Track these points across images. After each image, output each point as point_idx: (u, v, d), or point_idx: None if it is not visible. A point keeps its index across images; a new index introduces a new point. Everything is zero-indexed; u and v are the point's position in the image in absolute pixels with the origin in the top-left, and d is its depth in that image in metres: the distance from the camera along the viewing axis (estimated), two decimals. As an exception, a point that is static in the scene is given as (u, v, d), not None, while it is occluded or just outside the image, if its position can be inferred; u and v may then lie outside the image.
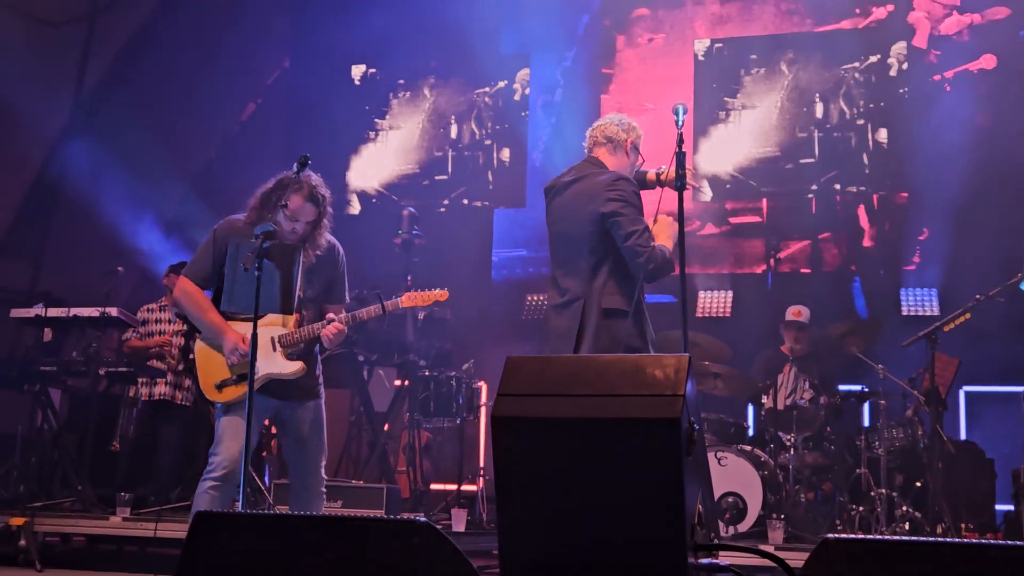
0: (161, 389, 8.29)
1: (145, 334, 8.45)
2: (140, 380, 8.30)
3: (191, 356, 7.85)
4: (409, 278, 8.05)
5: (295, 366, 4.93)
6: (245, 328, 4.73)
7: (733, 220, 10.97)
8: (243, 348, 4.76)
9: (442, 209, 12.04)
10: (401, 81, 12.62)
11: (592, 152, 5.31)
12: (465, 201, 12.14)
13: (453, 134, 12.40)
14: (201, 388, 4.90)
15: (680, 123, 4.96)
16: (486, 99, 12.33)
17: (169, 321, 8.48)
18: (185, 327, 8.19)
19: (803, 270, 10.62)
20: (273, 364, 4.88)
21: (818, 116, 11.02)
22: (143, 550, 7.45)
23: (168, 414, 8.30)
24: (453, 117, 12.42)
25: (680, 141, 4.89)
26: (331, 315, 4.99)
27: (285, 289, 4.66)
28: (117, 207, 10.68)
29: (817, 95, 11.04)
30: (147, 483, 7.98)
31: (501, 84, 12.31)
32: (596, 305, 4.92)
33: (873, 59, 10.93)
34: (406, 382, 8.31)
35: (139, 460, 8.25)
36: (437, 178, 12.32)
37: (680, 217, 5.01)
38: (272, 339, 4.90)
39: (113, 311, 8.00)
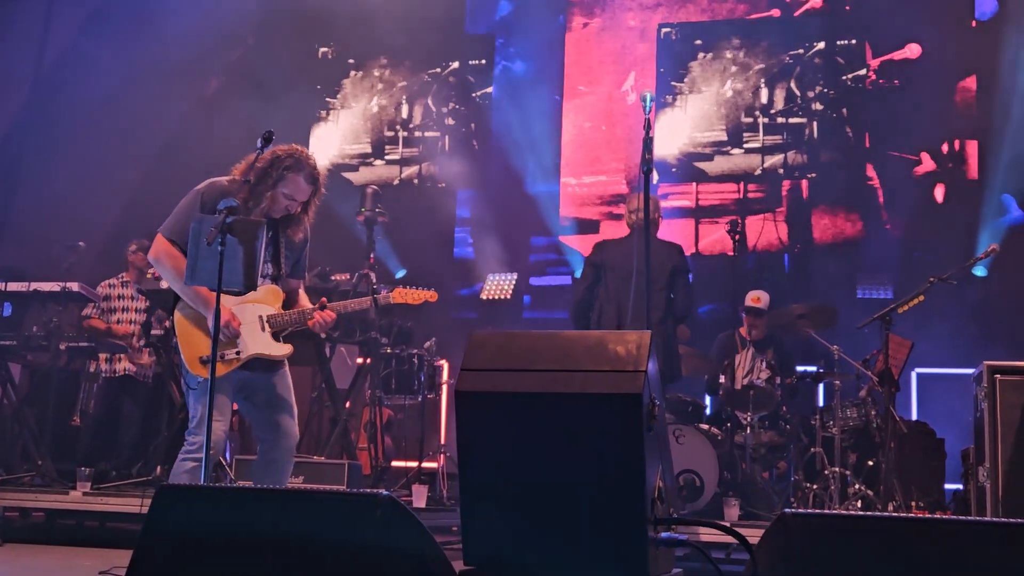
0: (124, 365, 8.26)
1: (106, 310, 8.41)
2: (102, 355, 8.26)
3: (153, 332, 7.88)
4: (372, 256, 8.06)
5: (285, 349, 4.90)
6: (229, 302, 4.68)
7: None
8: (234, 327, 4.70)
9: (396, 183, 12.06)
10: (351, 60, 12.63)
11: None
12: (415, 181, 12.17)
13: (404, 114, 12.43)
14: (185, 361, 4.75)
15: (648, 110, 5.04)
16: (449, 78, 12.35)
17: (131, 297, 8.44)
18: (148, 303, 8.16)
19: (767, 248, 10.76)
20: (261, 343, 4.82)
21: (763, 101, 11.16)
22: (103, 525, 7.44)
23: (130, 389, 8.28)
24: (405, 97, 12.44)
25: (647, 127, 4.98)
26: (324, 300, 4.99)
27: (248, 265, 4.62)
28: (78, 181, 10.57)
29: (763, 80, 11.17)
30: (108, 458, 7.95)
31: (454, 65, 12.33)
32: None
33: (819, 46, 11.08)
34: (368, 360, 8.32)
35: (100, 435, 8.23)
36: (388, 157, 12.35)
37: (646, 198, 5.10)
38: (261, 318, 4.85)
39: (74, 286, 7.94)
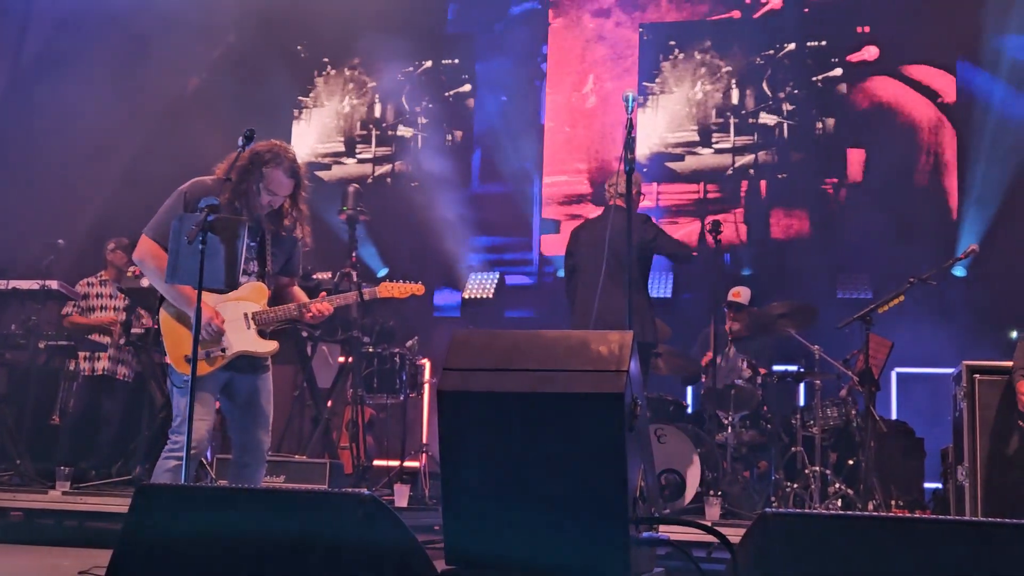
0: (103, 364, 8.22)
1: (86, 308, 8.36)
2: (81, 354, 8.21)
3: (133, 331, 7.84)
4: (354, 254, 8.05)
5: (271, 345, 4.88)
6: (212, 300, 4.68)
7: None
8: (216, 323, 4.68)
9: (369, 181, 12.05)
10: (325, 59, 12.61)
11: None
12: (389, 180, 12.15)
13: (377, 112, 12.42)
14: (171, 360, 4.73)
15: (630, 110, 5.06)
16: (421, 77, 12.35)
17: (110, 296, 8.40)
18: (127, 302, 8.12)
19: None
20: (247, 341, 4.80)
21: (734, 102, 11.22)
22: (82, 524, 7.39)
23: (110, 388, 8.23)
24: (378, 96, 12.43)
25: (630, 127, 5.00)
26: (324, 294, 5.00)
27: (230, 263, 4.61)
28: (57, 179, 10.51)
29: (734, 81, 11.22)
30: (88, 457, 7.91)
31: (427, 64, 12.32)
32: None
33: (790, 47, 11.14)
34: (350, 358, 8.30)
35: (79, 434, 8.18)
36: (360, 155, 12.35)
37: (628, 197, 5.12)
38: (246, 315, 4.82)
39: (53, 284, 7.90)
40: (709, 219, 7.92)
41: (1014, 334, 8.92)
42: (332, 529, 3.20)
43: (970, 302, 9.37)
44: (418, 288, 5.40)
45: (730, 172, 11.08)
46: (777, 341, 8.35)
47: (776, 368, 8.46)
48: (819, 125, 10.99)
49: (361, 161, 12.36)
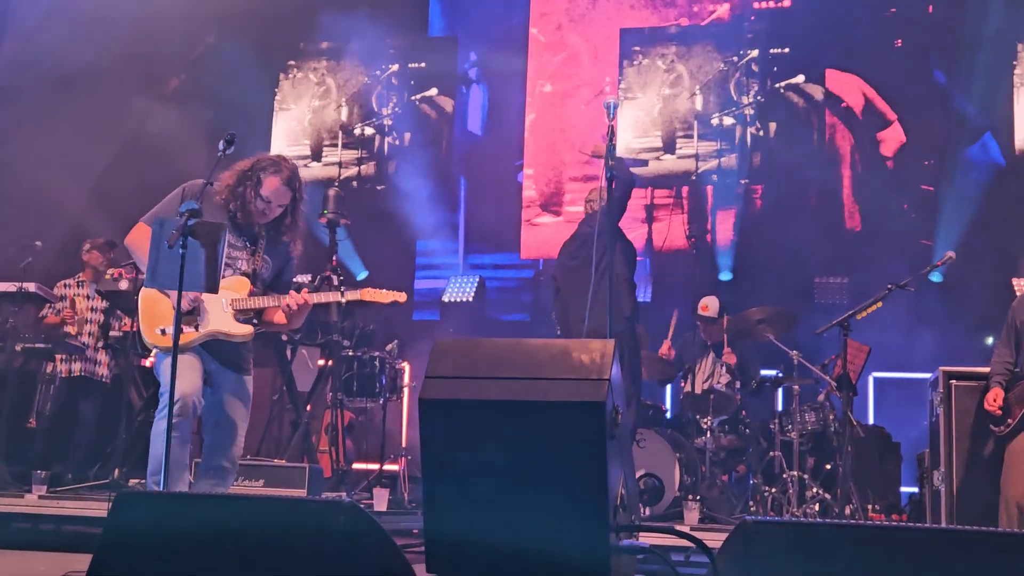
0: (81, 365, 8.17)
1: (62, 310, 8.32)
2: (59, 356, 8.16)
3: (112, 333, 7.80)
4: (335, 258, 8.03)
5: (245, 329, 4.93)
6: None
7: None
8: (196, 296, 4.74)
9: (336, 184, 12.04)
10: (292, 62, 12.59)
11: None
12: (355, 184, 12.12)
13: (344, 115, 12.40)
14: (142, 334, 4.78)
15: (611, 116, 5.08)
16: (393, 80, 12.33)
17: (87, 297, 8.35)
18: (106, 304, 8.08)
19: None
20: (221, 321, 4.87)
21: (698, 108, 11.27)
22: (59, 528, 7.34)
23: (87, 390, 8.19)
24: (344, 99, 12.41)
25: (611, 134, 5.02)
26: (305, 289, 5.04)
27: (210, 268, 4.61)
28: (35, 180, 10.43)
29: (698, 87, 11.27)
30: (64, 460, 7.86)
31: (394, 68, 12.31)
32: None
33: (753, 53, 11.20)
34: (329, 362, 8.29)
35: (56, 437, 8.13)
36: (327, 160, 12.32)
37: (609, 202, 5.13)
38: (224, 300, 4.89)
39: (31, 286, 7.86)
40: (691, 226, 7.92)
41: (990, 340, 9.00)
42: (312, 537, 3.19)
43: (947, 308, 9.43)
44: (400, 295, 5.41)
45: (694, 177, 11.13)
46: (756, 346, 8.39)
47: (759, 372, 8.51)
48: (772, 126, 11.05)
49: (327, 164, 12.34)
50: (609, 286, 5.25)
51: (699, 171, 11.14)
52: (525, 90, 11.88)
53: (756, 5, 11.43)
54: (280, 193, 4.91)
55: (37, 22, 11.12)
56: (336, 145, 12.38)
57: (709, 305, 8.28)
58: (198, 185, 4.91)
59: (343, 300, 5.25)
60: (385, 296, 5.38)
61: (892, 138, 10.81)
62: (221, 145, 4.85)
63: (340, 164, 12.31)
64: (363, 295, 5.32)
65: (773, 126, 11.05)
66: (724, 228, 10.86)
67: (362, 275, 11.43)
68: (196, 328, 4.82)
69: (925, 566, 2.88)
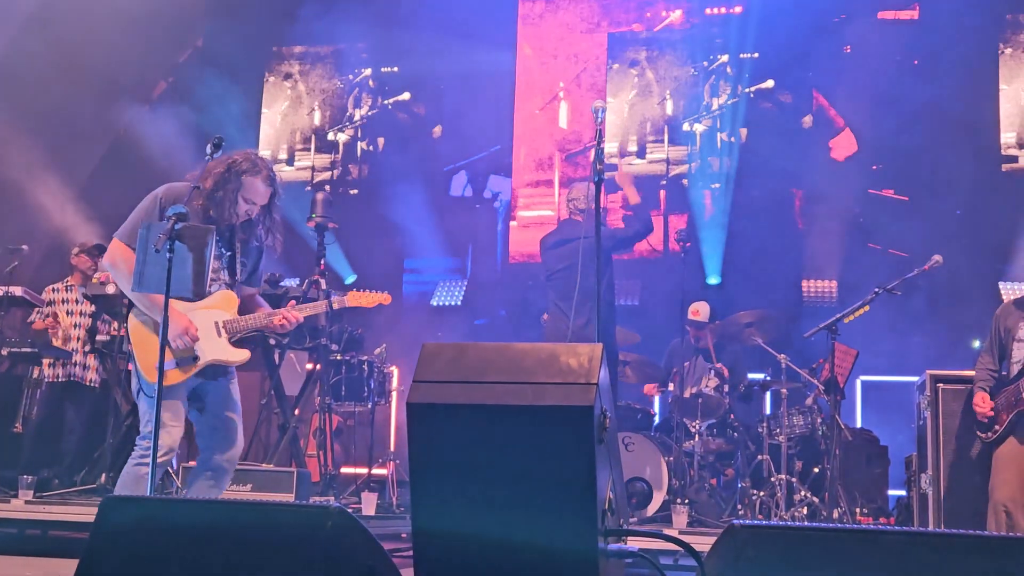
0: (68, 370, 8.14)
1: (52, 315, 8.28)
2: (45, 361, 8.13)
3: (99, 338, 7.78)
4: (323, 262, 8.02)
5: (242, 354, 4.86)
6: (183, 308, 4.66)
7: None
8: (192, 334, 4.66)
9: (307, 189, 11.98)
10: (274, 64, 12.59)
11: None
12: (327, 188, 12.06)
13: (317, 120, 12.36)
14: (140, 368, 4.67)
15: (599, 120, 5.09)
16: (370, 83, 12.30)
17: (76, 301, 8.32)
18: (93, 308, 8.05)
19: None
20: (218, 350, 4.78)
21: (668, 112, 11.29)
22: (45, 534, 7.31)
23: (75, 396, 8.16)
24: (317, 103, 12.38)
25: (599, 138, 5.02)
26: (293, 302, 5.04)
27: (197, 272, 4.57)
28: (22, 183, 10.40)
29: (668, 92, 11.30)
30: (51, 465, 7.82)
31: (367, 72, 12.28)
32: None
33: (723, 58, 11.23)
34: (317, 366, 8.27)
35: (43, 442, 8.09)
36: (299, 163, 12.30)
37: (596, 208, 5.14)
38: (217, 323, 4.79)
39: (17, 290, 7.83)
40: (678, 228, 7.93)
41: (977, 344, 9.03)
42: (300, 542, 3.18)
43: (934, 312, 9.46)
44: (384, 297, 5.41)
45: (664, 182, 11.15)
46: (745, 349, 8.40)
47: (747, 375, 8.53)
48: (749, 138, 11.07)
49: (300, 168, 12.31)
50: (599, 314, 5.26)
51: (669, 175, 11.17)
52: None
53: (708, 11, 11.46)
54: (262, 193, 4.84)
55: (22, 25, 11.08)
56: (309, 150, 12.35)
57: (700, 310, 8.29)
58: (179, 188, 4.79)
59: (332, 308, 5.26)
60: (370, 299, 5.37)
61: (843, 145, 10.88)
62: (209, 148, 4.80)
63: (313, 168, 12.27)
64: (349, 301, 5.32)
65: (744, 131, 11.06)
66: (707, 232, 10.88)
67: (350, 279, 11.42)
68: (195, 360, 4.72)
69: (913, 569, 2.88)
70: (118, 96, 11.46)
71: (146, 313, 4.70)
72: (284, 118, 12.46)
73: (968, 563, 2.86)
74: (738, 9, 11.31)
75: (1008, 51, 10.62)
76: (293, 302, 5.08)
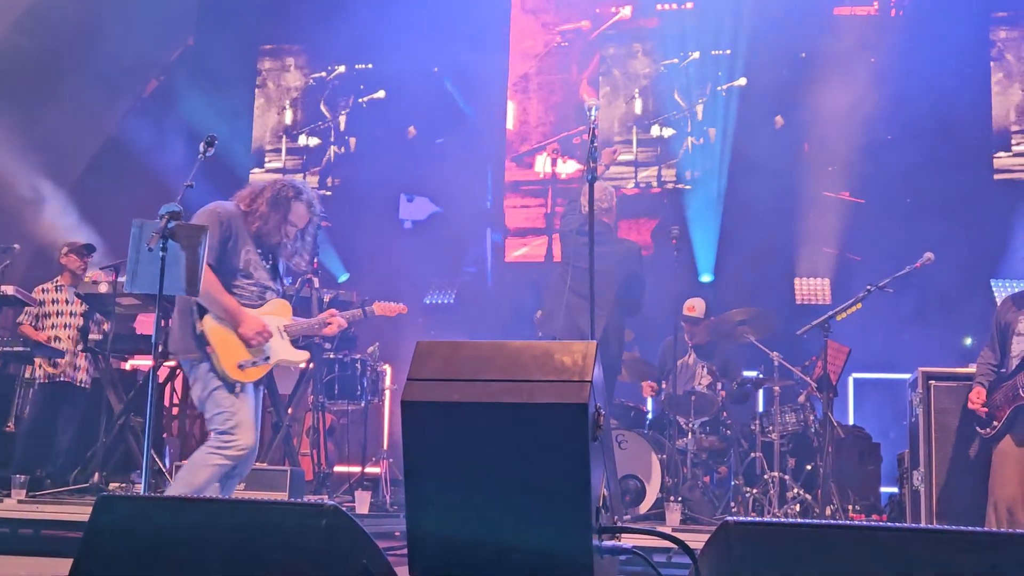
0: (62, 370, 8.12)
1: (41, 315, 8.26)
2: (37, 360, 8.11)
3: (91, 337, 7.76)
4: (316, 260, 8.02)
5: (303, 355, 5.50)
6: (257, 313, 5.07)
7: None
8: (267, 333, 5.04)
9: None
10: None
11: None
12: (303, 185, 11.97)
13: (289, 119, 12.29)
14: (224, 367, 4.95)
15: (592, 118, 5.10)
16: (335, 82, 12.24)
17: (66, 301, 8.30)
18: (85, 308, 8.03)
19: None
20: (285, 351, 5.21)
21: (637, 112, 11.26)
22: (38, 533, 7.29)
23: (67, 395, 8.14)
24: (288, 101, 12.32)
25: (593, 137, 5.04)
26: (333, 311, 5.56)
27: (191, 270, 4.61)
28: (12, 182, 10.37)
29: (637, 90, 11.26)
30: (44, 465, 7.81)
31: (340, 69, 12.20)
32: None
33: (694, 55, 11.20)
34: (311, 364, 8.27)
35: (35, 441, 8.08)
36: (270, 164, 12.24)
37: (591, 207, 5.15)
38: (279, 327, 5.18)
39: (9, 289, 7.80)
40: (674, 228, 7.90)
41: (968, 341, 9.07)
42: (295, 540, 3.18)
43: (927, 310, 9.48)
44: (402, 308, 6.21)
45: (631, 185, 11.11)
46: (738, 347, 8.41)
47: (741, 373, 8.54)
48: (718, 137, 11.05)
49: (269, 171, 12.24)
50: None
51: (637, 178, 11.16)
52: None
53: (659, 7, 11.40)
54: (303, 217, 5.23)
55: (14, 24, 11.06)
56: (279, 150, 12.29)
57: (696, 306, 8.32)
58: (230, 207, 5.11)
59: (366, 316, 5.88)
60: (392, 309, 6.11)
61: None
62: (202, 147, 4.94)
63: (284, 171, 12.19)
64: (377, 310, 5.97)
65: (713, 132, 11.03)
66: (699, 230, 10.88)
67: (343, 277, 11.41)
68: (267, 360, 5.11)
69: (906, 566, 2.89)
70: (109, 95, 11.43)
71: (221, 318, 4.99)
72: (256, 118, 12.38)
73: (961, 559, 2.87)
74: (689, 5, 11.24)
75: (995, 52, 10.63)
76: (333, 311, 5.54)
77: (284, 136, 12.31)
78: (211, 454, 4.90)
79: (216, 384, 4.98)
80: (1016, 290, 6.56)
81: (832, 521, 6.60)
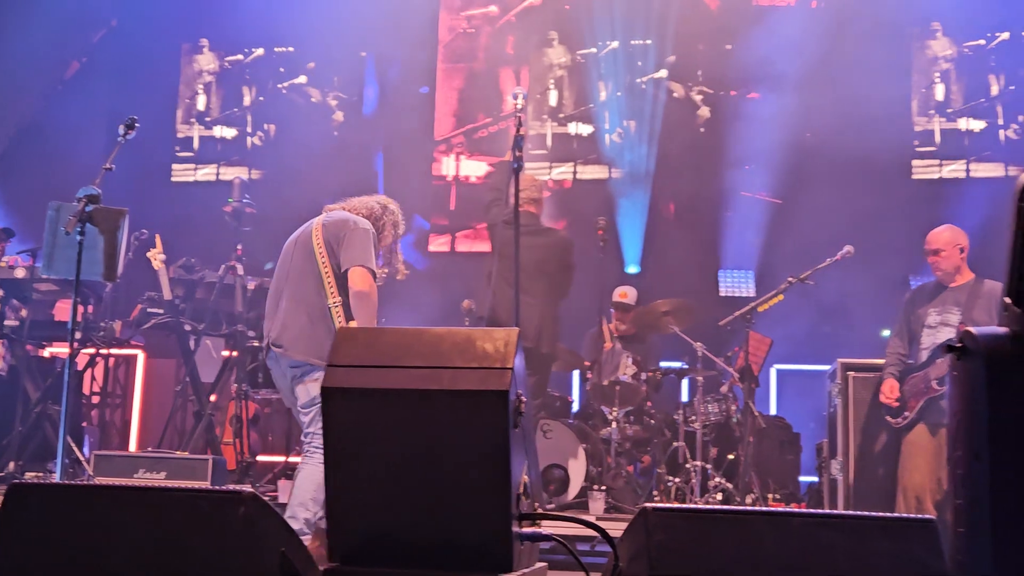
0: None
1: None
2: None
3: (7, 323, 7.58)
4: (239, 247, 7.92)
5: None
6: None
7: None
8: None
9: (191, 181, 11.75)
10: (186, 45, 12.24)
11: None
12: (217, 175, 11.81)
13: (201, 105, 12.08)
14: None
15: (519, 106, 5.10)
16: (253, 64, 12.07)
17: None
18: (1, 292, 7.84)
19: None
20: None
21: (551, 104, 11.19)
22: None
23: (-20, 382, 7.94)
24: (201, 87, 12.11)
25: (519, 124, 5.04)
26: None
27: (108, 255, 4.52)
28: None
29: (551, 81, 11.22)
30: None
31: (259, 52, 11.98)
32: None
33: (613, 45, 11.15)
34: (234, 353, 8.17)
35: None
36: (180, 154, 12.03)
37: (516, 198, 5.16)
38: None
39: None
40: (600, 219, 7.93)
41: (886, 332, 9.25)
42: (212, 529, 3.14)
43: (845, 301, 9.65)
44: None
45: (546, 178, 11.05)
46: (662, 338, 8.50)
47: (660, 364, 8.62)
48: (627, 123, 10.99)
49: (183, 159, 12.00)
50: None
51: (578, 167, 11.18)
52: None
53: None
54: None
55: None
56: (191, 139, 12.05)
57: (628, 292, 8.41)
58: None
59: None
60: None
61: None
62: (121, 130, 4.84)
63: (196, 159, 11.95)
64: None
65: (633, 124, 11.03)
66: (626, 222, 10.92)
67: (269, 265, 11.26)
68: None
69: (820, 550, 2.95)
70: (29, 76, 11.15)
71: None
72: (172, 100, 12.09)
73: (873, 544, 2.94)
74: None
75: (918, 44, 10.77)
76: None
77: (196, 122, 12.00)
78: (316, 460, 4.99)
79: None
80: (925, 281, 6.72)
81: (749, 507, 6.71)
